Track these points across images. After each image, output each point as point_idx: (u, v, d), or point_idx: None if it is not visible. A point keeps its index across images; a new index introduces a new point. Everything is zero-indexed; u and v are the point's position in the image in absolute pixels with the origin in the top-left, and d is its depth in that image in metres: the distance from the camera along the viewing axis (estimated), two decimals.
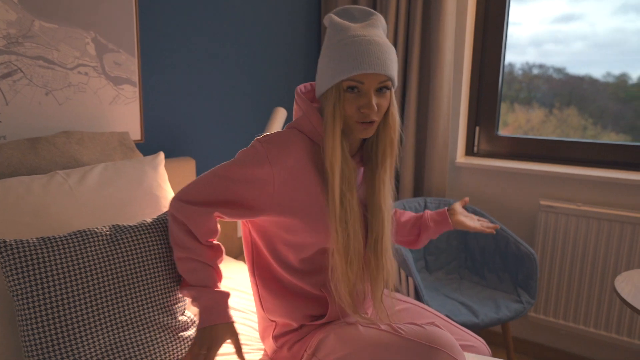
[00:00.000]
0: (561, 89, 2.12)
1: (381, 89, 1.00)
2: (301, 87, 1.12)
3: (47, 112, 1.43)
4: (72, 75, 1.47)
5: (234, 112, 2.05)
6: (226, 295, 1.07)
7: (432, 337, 0.95)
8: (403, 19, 2.15)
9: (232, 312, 1.10)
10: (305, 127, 1.07)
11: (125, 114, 1.63)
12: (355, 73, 0.96)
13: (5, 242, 0.97)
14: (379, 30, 1.03)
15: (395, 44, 2.20)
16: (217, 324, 1.02)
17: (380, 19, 1.04)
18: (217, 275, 1.10)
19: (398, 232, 1.31)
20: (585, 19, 2.01)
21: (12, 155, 1.26)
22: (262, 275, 1.14)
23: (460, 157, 2.32)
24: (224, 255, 1.15)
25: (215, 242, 1.12)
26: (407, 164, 2.23)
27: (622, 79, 1.97)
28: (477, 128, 2.32)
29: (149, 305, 1.09)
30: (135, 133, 1.67)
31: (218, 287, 1.07)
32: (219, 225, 1.13)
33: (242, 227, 1.17)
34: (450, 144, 2.27)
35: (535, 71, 2.17)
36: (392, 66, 1.01)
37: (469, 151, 2.35)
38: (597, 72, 2.01)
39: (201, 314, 1.04)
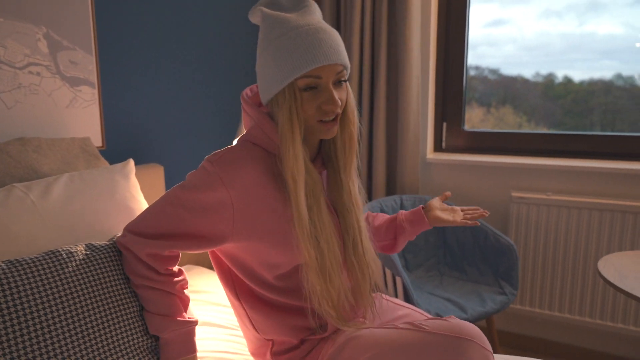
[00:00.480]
0: (496, 89, 2.24)
1: (339, 82, 0.91)
2: (247, 91, 1.02)
3: None
4: (22, 75, 1.30)
5: (202, 115, 1.93)
6: (192, 324, 0.98)
7: (459, 329, 0.90)
8: (369, 17, 2.12)
9: (196, 342, 1.01)
10: (259, 138, 0.96)
11: (84, 118, 1.47)
12: (311, 67, 0.86)
13: None
14: (317, 16, 0.94)
15: (361, 42, 2.17)
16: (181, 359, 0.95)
17: (314, 4, 0.95)
18: (182, 303, 0.99)
19: (373, 237, 1.19)
20: (514, 23, 2.14)
21: None
22: (247, 299, 1.04)
23: (430, 154, 2.32)
24: (187, 278, 1.05)
25: (176, 268, 1.01)
26: (379, 162, 2.20)
27: (550, 78, 2.10)
28: (444, 124, 2.34)
29: (132, 328, 0.96)
30: (96, 139, 1.51)
31: (183, 317, 0.97)
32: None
33: (210, 254, 1.07)
34: (420, 141, 2.26)
35: (472, 72, 2.27)
36: (344, 52, 0.92)
37: (437, 147, 2.36)
38: (528, 73, 2.14)
39: (163, 347, 0.95)
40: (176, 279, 0.99)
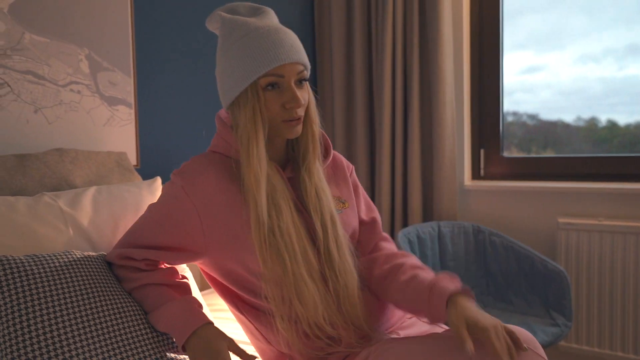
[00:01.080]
0: (536, 134, 2.22)
1: (300, 81, 0.91)
2: (222, 112, 1.02)
3: (36, 131, 1.30)
4: (64, 92, 1.36)
5: None
6: (190, 301, 0.92)
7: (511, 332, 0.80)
8: (400, 44, 2.13)
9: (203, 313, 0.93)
10: (219, 146, 0.97)
11: (120, 137, 1.51)
12: (274, 65, 0.86)
13: None
14: (275, 20, 0.96)
15: (393, 67, 2.17)
16: (195, 331, 0.86)
17: (271, 11, 0.97)
18: (175, 289, 0.96)
19: (393, 293, 0.98)
20: (550, 69, 2.14)
21: None
22: (249, 310, 0.99)
23: (468, 181, 2.24)
24: (175, 268, 1.02)
25: (165, 266, 0.99)
26: (414, 187, 2.13)
27: (592, 122, 2.07)
28: (482, 151, 2.26)
29: (140, 323, 0.93)
30: (131, 157, 1.54)
31: (178, 299, 0.93)
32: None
33: (204, 275, 1.04)
34: (456, 168, 2.19)
35: (510, 118, 2.25)
36: (305, 54, 0.93)
37: (476, 175, 2.27)
38: (568, 117, 2.12)
39: (172, 334, 0.89)
40: (160, 270, 0.98)
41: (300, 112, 0.90)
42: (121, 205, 1.19)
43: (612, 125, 2.01)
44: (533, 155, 2.19)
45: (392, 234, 2.20)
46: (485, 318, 0.80)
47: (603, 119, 2.02)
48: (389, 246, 1.07)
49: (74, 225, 1.07)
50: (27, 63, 1.27)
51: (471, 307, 0.83)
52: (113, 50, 1.47)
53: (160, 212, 0.94)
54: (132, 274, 0.96)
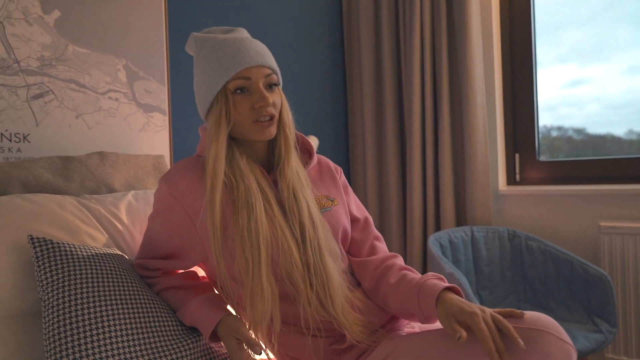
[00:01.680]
0: (584, 149, 2.15)
1: (270, 86, 0.95)
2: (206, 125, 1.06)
3: (77, 135, 1.38)
4: (103, 100, 1.44)
5: None
6: (203, 300, 0.94)
7: (533, 320, 0.78)
8: (428, 47, 2.13)
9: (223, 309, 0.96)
10: (200, 151, 1.01)
11: (155, 142, 1.58)
12: (239, 69, 0.90)
13: (43, 238, 0.91)
14: (246, 35, 1.00)
15: (422, 71, 2.17)
16: (217, 326, 0.90)
17: (243, 30, 1.02)
18: (192, 290, 0.99)
19: (385, 295, 0.98)
20: (595, 82, 2.07)
21: (42, 175, 1.19)
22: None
23: (503, 186, 2.18)
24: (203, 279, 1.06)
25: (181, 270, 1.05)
26: (446, 192, 2.10)
27: None
28: (517, 155, 2.21)
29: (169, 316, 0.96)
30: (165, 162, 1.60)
31: (194, 300, 0.96)
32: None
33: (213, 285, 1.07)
34: (490, 173, 2.14)
35: (555, 133, 2.20)
36: (272, 58, 0.96)
37: (511, 180, 2.21)
38: (618, 131, 2.04)
39: (199, 329, 0.93)
40: (179, 274, 1.03)
41: (271, 111, 0.93)
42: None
43: None
44: (571, 158, 2.12)
45: (424, 240, 2.17)
46: (473, 306, 0.79)
47: None
48: (382, 247, 1.08)
49: (110, 230, 1.13)
50: (70, 72, 1.37)
51: (459, 300, 0.82)
52: (148, 61, 1.56)
53: (156, 222, 0.99)
54: (152, 280, 1.02)
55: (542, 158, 2.17)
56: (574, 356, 0.76)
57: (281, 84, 1.00)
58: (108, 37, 1.45)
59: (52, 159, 1.24)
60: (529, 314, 0.80)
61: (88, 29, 1.41)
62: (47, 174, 1.20)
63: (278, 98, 0.96)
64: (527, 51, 2.15)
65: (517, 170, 2.20)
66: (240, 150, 0.96)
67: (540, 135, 2.18)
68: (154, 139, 1.57)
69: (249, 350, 0.86)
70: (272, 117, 0.93)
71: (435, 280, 0.89)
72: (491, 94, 2.17)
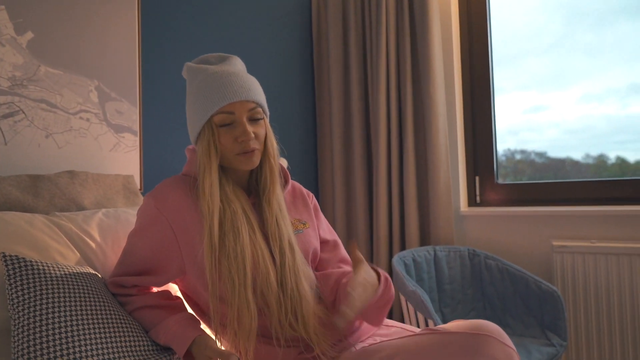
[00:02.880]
0: (546, 172, 2.26)
1: (255, 119, 1.00)
2: (191, 146, 1.12)
3: (47, 154, 1.39)
4: (74, 120, 1.46)
5: None
6: (179, 319, 0.97)
7: (477, 326, 0.84)
8: (394, 76, 2.24)
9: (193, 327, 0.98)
10: (188, 170, 1.06)
11: (125, 162, 1.59)
12: (223, 104, 0.97)
13: (16, 256, 0.92)
14: (237, 68, 1.06)
15: (387, 99, 2.27)
16: (190, 346, 0.93)
17: (237, 60, 1.08)
18: (170, 312, 1.01)
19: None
20: (554, 108, 2.21)
21: (10, 192, 1.19)
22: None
23: (464, 207, 2.29)
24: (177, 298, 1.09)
25: (156, 289, 1.07)
26: (411, 213, 2.18)
27: (601, 159, 2.11)
28: (477, 178, 2.32)
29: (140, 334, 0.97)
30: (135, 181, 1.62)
31: (170, 319, 0.98)
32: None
33: (186, 300, 1.10)
34: (452, 194, 2.25)
35: (518, 156, 2.32)
36: (258, 92, 1.02)
37: (472, 201, 2.32)
38: (577, 155, 2.17)
39: (174, 348, 0.95)
40: (153, 293, 1.05)
41: (253, 144, 0.99)
42: (126, 229, 1.25)
43: (622, 162, 2.06)
44: (527, 181, 2.24)
45: (390, 259, 2.24)
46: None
47: (612, 156, 2.08)
48: (347, 268, 1.14)
49: (82, 247, 1.14)
50: (42, 92, 1.38)
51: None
52: (121, 82, 1.58)
53: (138, 238, 1.02)
54: (126, 298, 1.04)
55: (501, 181, 2.29)
56: (517, 359, 0.83)
57: (268, 116, 1.06)
58: (81, 59, 1.48)
59: (21, 177, 1.24)
60: (476, 320, 0.87)
61: (61, 51, 1.43)
62: (15, 192, 1.20)
63: (262, 130, 1.02)
64: (485, 79, 2.29)
65: (478, 192, 2.31)
66: (227, 177, 1.02)
67: (504, 158, 2.31)
68: (124, 159, 1.59)
69: None
70: (254, 150, 0.99)
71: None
72: (452, 119, 2.29)
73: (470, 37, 2.32)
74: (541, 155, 2.26)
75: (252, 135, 0.98)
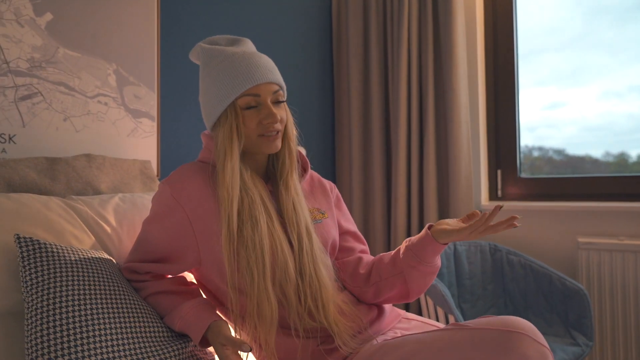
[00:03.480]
0: (564, 169, 2.21)
1: (278, 102, 0.97)
2: (207, 132, 1.08)
3: (64, 138, 1.38)
4: (92, 103, 1.44)
5: None
6: (194, 305, 0.94)
7: (509, 322, 0.80)
8: (415, 67, 2.18)
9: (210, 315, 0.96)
10: (206, 157, 1.02)
11: (143, 147, 1.57)
12: (250, 85, 0.93)
13: (30, 238, 0.90)
14: (254, 49, 1.03)
15: (409, 86, 2.22)
16: (206, 331, 0.90)
17: (248, 40, 1.04)
18: (180, 296, 0.99)
19: (362, 289, 1.05)
20: (573, 105, 2.15)
21: (27, 175, 1.18)
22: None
23: (485, 202, 2.23)
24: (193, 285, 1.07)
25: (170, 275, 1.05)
26: (431, 207, 2.13)
27: (622, 157, 2.05)
28: (499, 172, 2.26)
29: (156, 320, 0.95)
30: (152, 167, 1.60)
31: (185, 305, 0.96)
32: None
33: (207, 294, 1.07)
34: (473, 188, 2.19)
35: (536, 153, 2.26)
36: (279, 75, 0.99)
37: (493, 196, 2.26)
38: (596, 153, 2.11)
39: (190, 334, 0.93)
40: (168, 279, 1.03)
41: (278, 127, 0.96)
42: (142, 216, 1.23)
43: None
44: (551, 175, 2.17)
45: None
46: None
47: (633, 154, 2.01)
48: (369, 257, 1.12)
49: (97, 232, 1.12)
50: (60, 75, 1.37)
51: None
52: (139, 67, 1.56)
53: (154, 225, 0.99)
54: (140, 284, 1.02)
55: (523, 175, 2.22)
56: (551, 359, 0.78)
57: (285, 99, 1.03)
58: (99, 42, 1.46)
59: (38, 159, 1.23)
60: (507, 317, 0.82)
61: (80, 33, 1.41)
62: (32, 174, 1.19)
63: (284, 113, 0.99)
64: (509, 73, 2.22)
65: (499, 186, 2.24)
66: (245, 164, 0.99)
67: (521, 155, 2.24)
68: (141, 144, 1.57)
69: (239, 351, 0.86)
70: (277, 132, 0.96)
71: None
72: (475, 112, 2.22)
73: (495, 29, 2.25)
74: (559, 152, 2.20)
75: (278, 117, 0.95)
